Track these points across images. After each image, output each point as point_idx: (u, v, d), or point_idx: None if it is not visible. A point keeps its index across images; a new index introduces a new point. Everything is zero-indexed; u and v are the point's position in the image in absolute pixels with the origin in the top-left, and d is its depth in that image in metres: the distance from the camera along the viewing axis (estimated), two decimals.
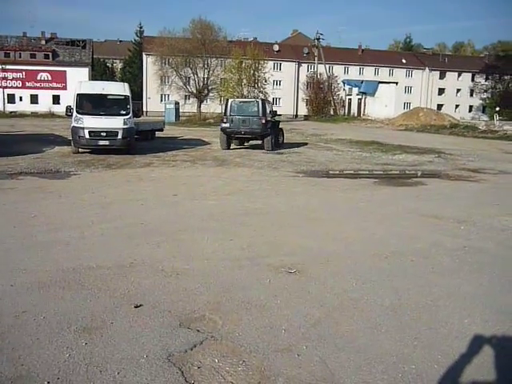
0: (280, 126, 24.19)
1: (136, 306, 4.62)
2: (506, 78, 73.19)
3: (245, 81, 50.48)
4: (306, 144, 25.21)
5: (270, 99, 52.75)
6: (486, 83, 74.69)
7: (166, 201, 9.86)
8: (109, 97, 18.36)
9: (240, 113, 21.33)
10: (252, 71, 51.04)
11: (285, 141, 24.38)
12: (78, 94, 17.84)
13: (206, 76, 50.58)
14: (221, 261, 6.04)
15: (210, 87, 51.25)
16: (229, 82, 50.48)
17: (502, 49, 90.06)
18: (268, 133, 21.07)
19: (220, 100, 52.39)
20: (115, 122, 17.44)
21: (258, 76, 51.66)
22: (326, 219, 8.60)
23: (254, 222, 8.13)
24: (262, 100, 23.10)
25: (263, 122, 20.69)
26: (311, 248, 6.73)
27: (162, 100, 58.62)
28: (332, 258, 6.32)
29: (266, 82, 52.24)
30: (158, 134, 26.02)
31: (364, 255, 6.47)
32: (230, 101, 22.48)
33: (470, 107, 79.80)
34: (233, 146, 22.26)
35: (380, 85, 68.66)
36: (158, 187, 11.52)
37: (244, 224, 8.00)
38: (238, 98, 47.97)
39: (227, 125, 21.10)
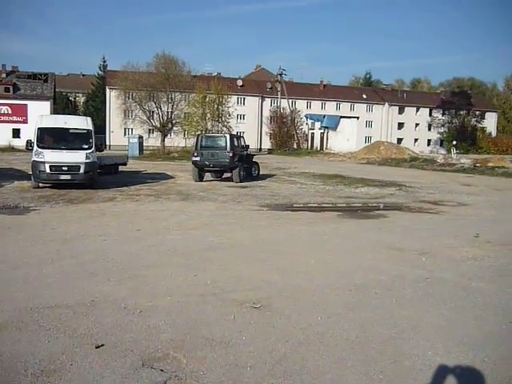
0: (254, 160, 25.31)
1: (97, 347, 4.48)
2: (461, 112, 76.12)
3: (209, 115, 50.87)
4: (271, 177, 25.38)
5: (234, 133, 53.16)
6: (443, 118, 77.42)
7: (129, 236, 9.71)
8: (71, 131, 18.14)
9: (209, 147, 22.39)
10: (216, 105, 51.53)
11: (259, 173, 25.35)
12: (38, 128, 17.58)
13: (169, 110, 50.67)
14: (185, 297, 5.95)
15: (173, 121, 51.30)
16: (193, 116, 50.78)
17: (456, 85, 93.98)
18: (236, 165, 21.89)
19: (184, 134, 52.52)
20: (77, 156, 17.21)
21: (222, 110, 52.19)
22: (290, 253, 8.60)
23: (219, 257, 8.07)
24: (231, 135, 24.34)
25: (230, 155, 21.50)
26: (276, 282, 6.70)
27: (125, 134, 58.30)
28: (297, 291, 6.31)
29: (229, 116, 52.78)
30: (121, 168, 25.78)
31: (329, 288, 6.48)
32: (200, 135, 23.85)
33: (429, 141, 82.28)
34: (209, 177, 23.53)
35: (342, 119, 70.24)
36: (121, 222, 11.35)
37: (208, 259, 7.93)
38: (202, 131, 48.34)
39: (197, 158, 22.14)
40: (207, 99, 51.00)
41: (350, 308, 5.76)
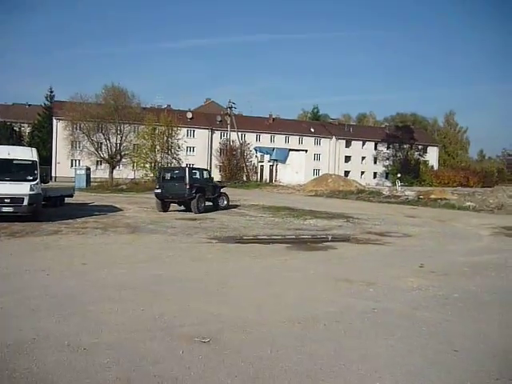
0: (222, 191, 26.37)
1: None
2: (405, 146, 78.86)
3: (158, 147, 50.63)
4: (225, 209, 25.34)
5: (184, 165, 53.07)
6: (388, 151, 79.95)
7: (74, 270, 9.42)
8: (14, 162, 17.62)
9: (170, 179, 23.98)
10: (165, 137, 51.39)
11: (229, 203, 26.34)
12: None
13: (118, 142, 50.09)
14: (131, 333, 5.80)
15: (122, 153, 50.70)
16: (142, 148, 50.38)
17: (400, 120, 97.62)
18: (193, 197, 22.74)
19: (133, 166, 51.92)
20: (21, 188, 16.69)
21: (172, 142, 52.06)
22: (239, 285, 8.56)
23: (167, 291, 7.94)
24: (189, 168, 25.91)
25: (187, 187, 22.62)
26: (225, 315, 6.64)
27: (72, 165, 57.11)
28: (246, 324, 6.26)
29: (179, 148, 52.67)
30: (67, 200, 25.16)
31: (278, 321, 6.47)
32: (161, 168, 27.09)
33: (375, 173, 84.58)
34: (175, 207, 24.28)
35: (290, 152, 71.45)
36: (66, 256, 11.01)
37: (156, 293, 7.79)
38: (155, 164, 48.12)
39: (159, 190, 23.39)
40: (157, 131, 50.83)
41: (299, 340, 5.76)
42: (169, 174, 24.69)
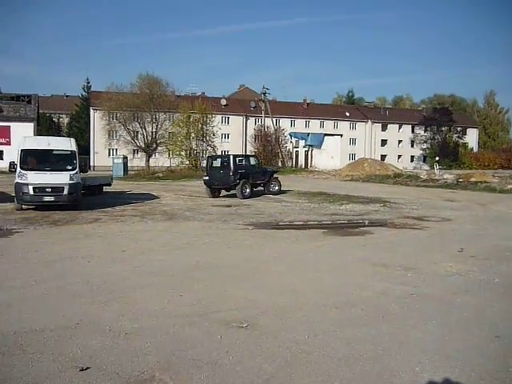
0: (275, 176, 27.64)
1: (82, 370, 4.43)
2: (443, 129, 77.00)
3: (193, 134, 50.88)
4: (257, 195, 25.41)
5: (219, 152, 53.33)
6: (425, 134, 78.23)
7: (114, 257, 9.64)
8: (54, 152, 18.07)
9: (216, 167, 25.61)
10: (200, 125, 51.57)
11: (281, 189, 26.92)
12: (22, 150, 17.48)
13: (154, 130, 50.66)
14: (170, 318, 5.91)
15: (158, 141, 51.27)
16: (177, 136, 50.73)
17: (438, 102, 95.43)
18: (237, 183, 23.92)
19: (168, 154, 52.40)
20: (61, 178, 17.11)
21: (206, 130, 52.23)
22: (276, 271, 8.60)
23: (204, 277, 8.04)
24: (234, 155, 26.55)
25: (231, 173, 23.93)
26: (262, 301, 6.69)
27: (109, 154, 58.00)
28: (283, 310, 6.30)
29: (214, 135, 52.84)
30: (105, 188, 25.65)
31: (315, 306, 6.48)
32: (209, 157, 27.99)
33: (412, 157, 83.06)
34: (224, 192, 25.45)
35: (326, 137, 70.82)
36: (106, 243, 11.27)
37: (194, 279, 7.89)
38: (187, 151, 48.55)
39: (207, 178, 25.15)
40: (191, 119, 51.05)
41: (336, 325, 5.76)
42: (215, 162, 26.40)
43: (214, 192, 24.70)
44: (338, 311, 6.32)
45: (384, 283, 7.82)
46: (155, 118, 50.37)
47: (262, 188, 26.10)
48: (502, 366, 4.74)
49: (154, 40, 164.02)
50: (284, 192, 26.77)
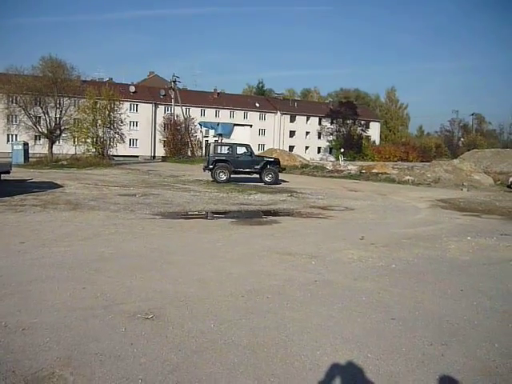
0: (272, 167, 28.57)
1: None
2: (348, 122, 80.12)
3: (100, 121, 49.15)
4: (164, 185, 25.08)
5: (127, 140, 52.08)
6: (332, 127, 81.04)
7: (12, 249, 9.12)
8: None
9: (207, 153, 29.13)
10: (107, 112, 49.88)
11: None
12: None
13: (58, 116, 48.24)
14: (72, 311, 5.71)
15: (62, 127, 48.91)
16: (83, 122, 48.81)
17: (343, 96, 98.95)
18: (214, 167, 27.58)
19: (74, 141, 50.29)
20: None
21: (114, 117, 50.64)
22: (183, 261, 8.55)
23: (109, 268, 7.84)
24: (216, 144, 31.23)
25: (209, 159, 27.74)
26: (168, 291, 6.64)
27: (8, 140, 54.65)
28: (189, 300, 6.29)
29: (122, 122, 51.33)
30: (3, 176, 24.18)
31: (221, 295, 6.53)
32: (207, 145, 32.08)
33: (319, 148, 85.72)
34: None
35: (235, 127, 71.21)
36: (3, 234, 10.64)
37: (98, 270, 7.67)
38: (94, 139, 46.91)
39: (205, 163, 28.64)
40: (98, 105, 49.26)
41: (242, 314, 5.85)
42: (209, 148, 28.99)
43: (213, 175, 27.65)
44: (244, 299, 6.41)
45: (289, 271, 8.03)
46: (59, 103, 47.97)
47: (258, 176, 28.19)
48: (396, 347, 5.04)
49: (59, 21, 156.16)
50: (278, 183, 27.98)
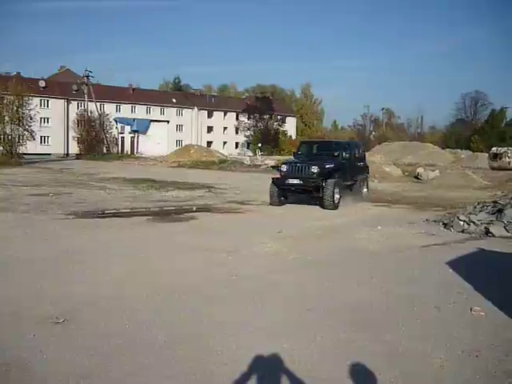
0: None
1: None
2: (264, 117, 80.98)
3: (7, 118, 46.67)
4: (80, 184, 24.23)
5: (38, 137, 49.92)
6: (249, 122, 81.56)
7: None
8: None
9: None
10: (15, 108, 47.45)
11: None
12: None
13: None
14: None
15: None
16: None
17: (260, 91, 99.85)
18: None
19: None
20: None
21: (23, 113, 48.23)
22: (96, 262, 8.28)
23: (17, 272, 7.47)
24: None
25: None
26: (81, 294, 6.41)
27: None
28: (103, 301, 6.12)
29: (31, 119, 48.98)
30: None
31: (136, 295, 6.41)
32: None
33: (237, 144, 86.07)
34: None
35: (152, 123, 70.09)
36: None
37: (5, 276, 7.28)
38: (1, 136, 44.48)
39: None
40: (5, 101, 46.72)
41: (158, 312, 5.77)
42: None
43: None
44: (160, 298, 6.33)
45: (207, 267, 8.02)
46: None
47: None
48: (311, 336, 5.17)
49: None
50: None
